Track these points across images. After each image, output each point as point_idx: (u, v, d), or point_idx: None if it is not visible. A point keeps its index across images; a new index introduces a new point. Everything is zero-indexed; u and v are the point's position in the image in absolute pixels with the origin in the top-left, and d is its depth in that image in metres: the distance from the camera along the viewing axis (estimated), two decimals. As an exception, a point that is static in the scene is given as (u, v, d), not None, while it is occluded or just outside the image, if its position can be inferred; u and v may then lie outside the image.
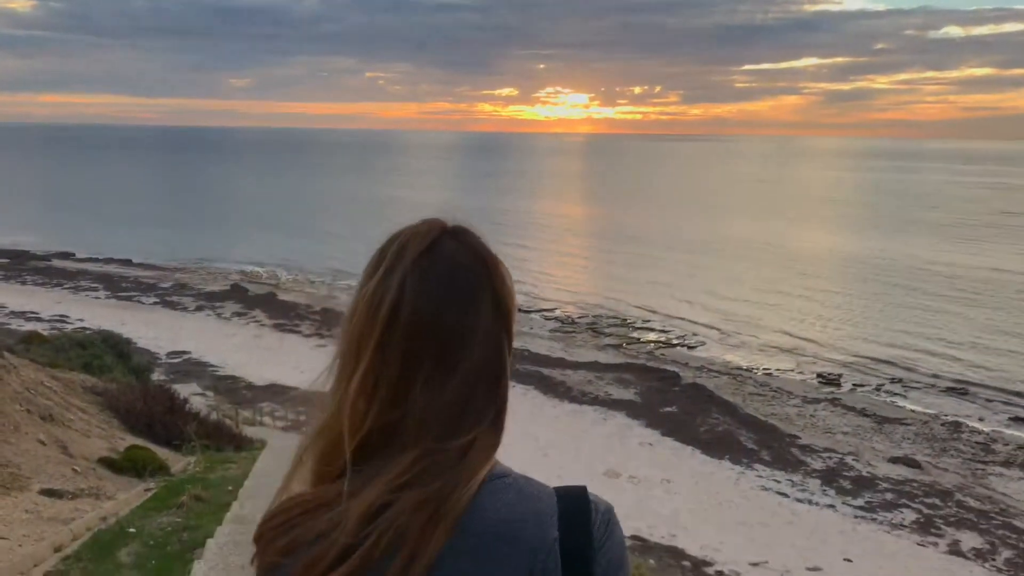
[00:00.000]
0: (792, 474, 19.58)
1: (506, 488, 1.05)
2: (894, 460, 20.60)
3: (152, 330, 30.51)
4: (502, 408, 1.11)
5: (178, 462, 10.71)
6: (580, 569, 1.02)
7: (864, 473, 19.70)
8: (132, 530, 6.10)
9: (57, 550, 5.36)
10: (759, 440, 21.75)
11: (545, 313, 36.59)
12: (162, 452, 10.95)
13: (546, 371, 27.31)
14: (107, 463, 8.70)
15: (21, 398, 8.95)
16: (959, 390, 27.21)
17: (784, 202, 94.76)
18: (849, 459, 20.63)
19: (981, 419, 24.37)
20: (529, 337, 31.92)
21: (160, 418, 12.87)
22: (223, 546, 5.38)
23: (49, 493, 6.54)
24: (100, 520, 6.39)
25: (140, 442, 11.14)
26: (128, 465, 8.99)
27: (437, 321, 1.05)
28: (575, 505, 1.06)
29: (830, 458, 20.69)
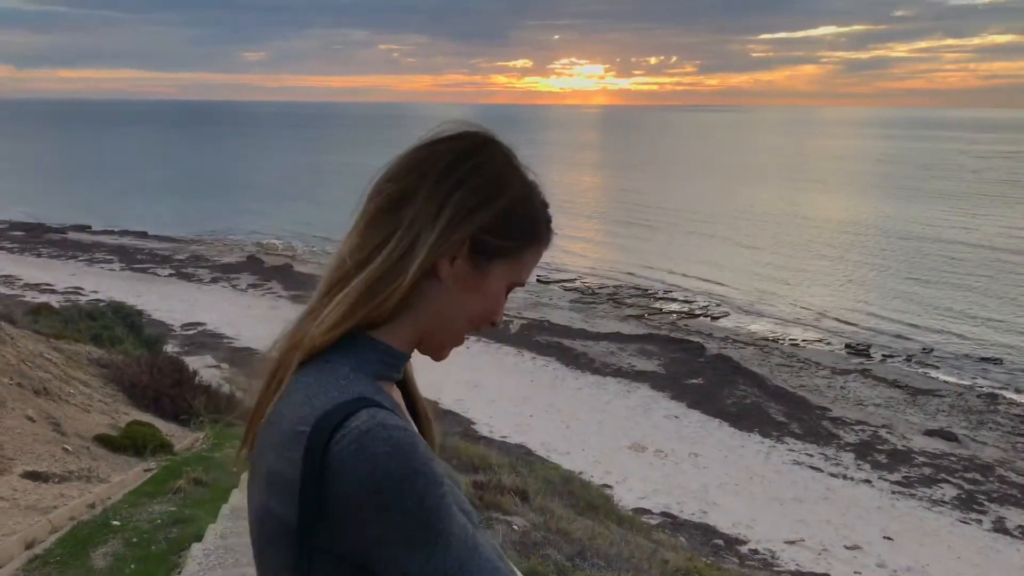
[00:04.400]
0: (824, 448, 18.85)
1: (306, 381, 1.02)
2: (930, 433, 19.81)
3: (167, 302, 30.03)
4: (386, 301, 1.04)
5: (185, 439, 10.08)
6: (307, 494, 0.92)
7: (899, 447, 18.94)
8: (116, 522, 5.47)
9: (29, 546, 4.75)
10: (788, 413, 21.01)
11: (564, 284, 35.77)
12: (168, 428, 10.32)
13: (567, 342, 26.63)
14: (104, 441, 8.06)
15: (14, 371, 8.36)
16: (993, 360, 26.34)
17: (804, 172, 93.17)
18: (883, 432, 19.86)
19: (1019, 391, 23.53)
20: (549, 308, 31.24)
21: (168, 391, 12.27)
22: (210, 553, 4.64)
23: (33, 476, 5.89)
24: (87, 508, 5.77)
25: (146, 417, 10.42)
26: (127, 443, 8.30)
27: None
28: (326, 422, 0.94)
29: (863, 431, 19.92)
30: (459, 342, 1.15)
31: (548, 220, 1.18)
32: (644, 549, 8.61)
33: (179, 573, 4.52)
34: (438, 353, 1.15)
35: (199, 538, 5.15)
